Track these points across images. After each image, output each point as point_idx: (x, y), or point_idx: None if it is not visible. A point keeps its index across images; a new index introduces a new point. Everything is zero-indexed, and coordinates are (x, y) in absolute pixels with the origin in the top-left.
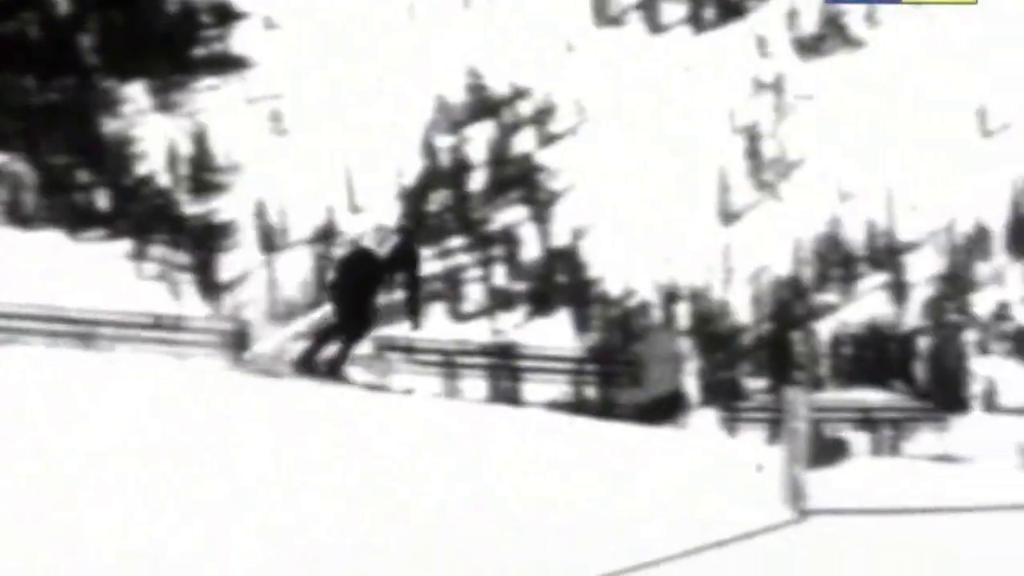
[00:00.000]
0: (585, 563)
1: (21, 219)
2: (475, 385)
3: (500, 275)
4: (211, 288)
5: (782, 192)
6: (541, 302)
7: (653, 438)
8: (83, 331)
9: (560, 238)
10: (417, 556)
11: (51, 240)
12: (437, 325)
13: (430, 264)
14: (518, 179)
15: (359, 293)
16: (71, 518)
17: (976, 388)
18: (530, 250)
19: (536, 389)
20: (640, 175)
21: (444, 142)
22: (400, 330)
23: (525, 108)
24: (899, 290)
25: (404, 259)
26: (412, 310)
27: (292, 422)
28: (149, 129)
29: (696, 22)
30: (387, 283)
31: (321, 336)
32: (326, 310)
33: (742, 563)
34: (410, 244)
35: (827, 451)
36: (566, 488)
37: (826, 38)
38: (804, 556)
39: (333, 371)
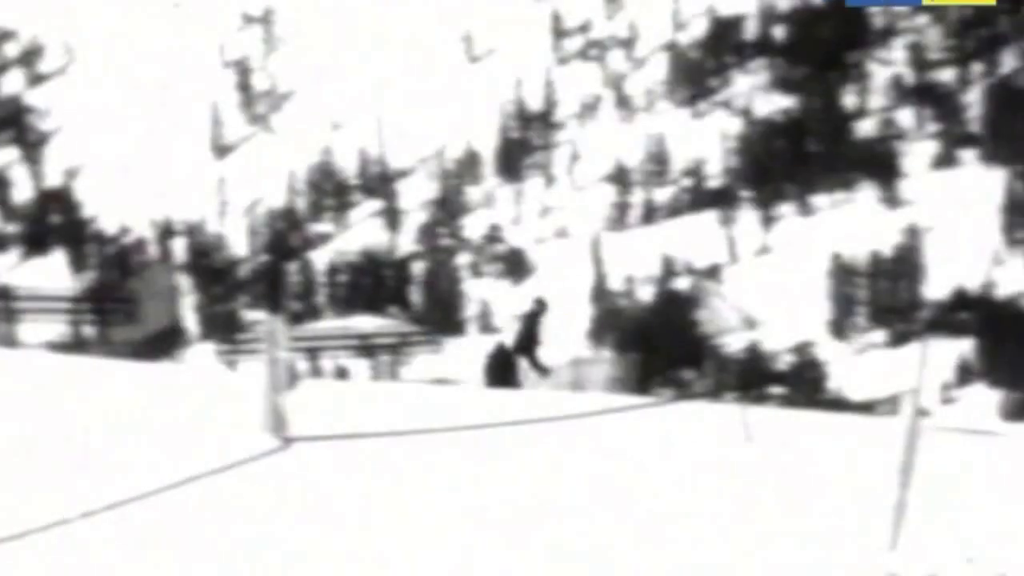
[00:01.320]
0: (80, 500)
1: None
2: None
3: None
4: None
5: (274, 124)
6: (35, 243)
7: (150, 373)
8: None
9: (52, 179)
10: None
11: None
12: None
13: None
14: (7, 121)
15: (499, 375)
16: None
17: (471, 310)
18: (22, 191)
19: (34, 330)
20: (131, 112)
21: None
22: None
23: (12, 49)
24: (393, 217)
25: (525, 340)
26: (536, 367)
27: None
28: None
29: None
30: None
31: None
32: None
33: (227, 493)
34: (531, 326)
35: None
36: (64, 425)
37: None
38: (286, 483)
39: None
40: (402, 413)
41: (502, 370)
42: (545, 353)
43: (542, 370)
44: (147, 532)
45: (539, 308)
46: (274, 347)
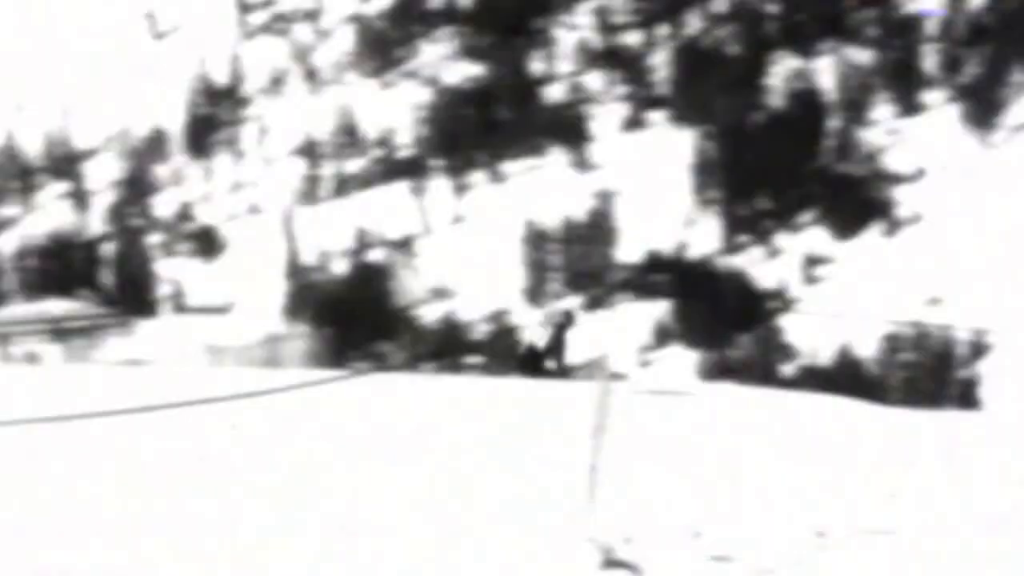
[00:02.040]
0: None
1: None
2: None
3: None
4: None
5: None
6: None
7: None
8: None
9: None
10: None
11: None
12: None
13: None
14: None
15: (530, 368)
16: None
17: (164, 290)
18: None
19: None
20: None
21: None
22: None
23: None
24: (80, 198)
25: (554, 345)
26: (558, 362)
27: None
28: None
29: None
30: (547, 360)
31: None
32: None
33: None
34: (560, 335)
35: None
36: None
37: None
38: None
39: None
40: (89, 395)
41: (533, 365)
42: (568, 357)
43: (565, 372)
44: None
45: (567, 319)
46: None
